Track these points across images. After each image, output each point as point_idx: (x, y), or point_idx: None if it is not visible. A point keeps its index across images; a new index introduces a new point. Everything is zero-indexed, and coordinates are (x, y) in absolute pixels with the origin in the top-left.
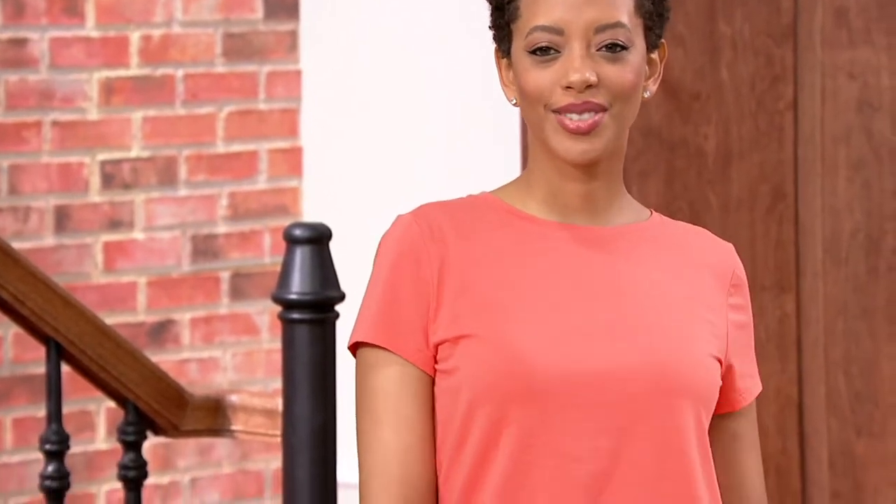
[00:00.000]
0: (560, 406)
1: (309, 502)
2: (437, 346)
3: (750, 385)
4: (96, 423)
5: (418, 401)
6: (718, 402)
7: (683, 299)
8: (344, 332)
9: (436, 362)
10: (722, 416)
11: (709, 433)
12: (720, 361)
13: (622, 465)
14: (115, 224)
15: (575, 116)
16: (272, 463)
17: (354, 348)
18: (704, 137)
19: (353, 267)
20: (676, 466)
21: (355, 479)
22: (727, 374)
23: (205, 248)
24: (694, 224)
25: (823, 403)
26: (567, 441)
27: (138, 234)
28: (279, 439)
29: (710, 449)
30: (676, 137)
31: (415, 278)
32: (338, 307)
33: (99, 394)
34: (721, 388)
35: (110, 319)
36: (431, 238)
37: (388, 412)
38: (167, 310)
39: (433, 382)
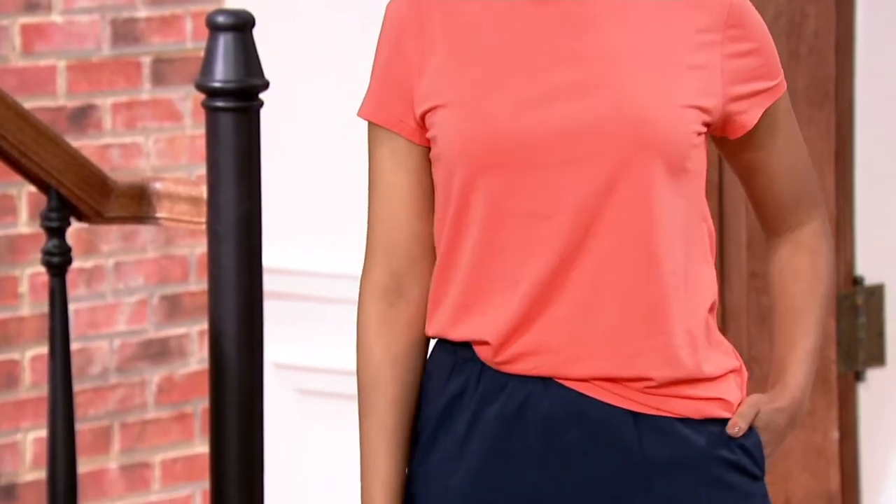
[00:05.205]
0: (524, 167)
1: (235, 287)
2: (422, 117)
3: (765, 96)
4: (18, 207)
5: (404, 170)
6: (734, 129)
7: (662, 49)
8: (268, 120)
9: (426, 132)
10: (742, 136)
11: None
12: (703, 109)
13: (588, 219)
14: (31, 6)
15: None
16: (197, 248)
17: None
18: None
19: (277, 55)
20: (640, 217)
21: (281, 264)
22: (733, 103)
23: (125, 32)
24: None
25: (742, 187)
26: (533, 199)
27: (56, 17)
28: (204, 226)
29: (682, 204)
30: None
31: (400, 53)
32: (262, 95)
33: (19, 178)
34: (732, 117)
35: (29, 104)
36: (418, 14)
37: (378, 182)
38: (88, 94)
39: (426, 152)
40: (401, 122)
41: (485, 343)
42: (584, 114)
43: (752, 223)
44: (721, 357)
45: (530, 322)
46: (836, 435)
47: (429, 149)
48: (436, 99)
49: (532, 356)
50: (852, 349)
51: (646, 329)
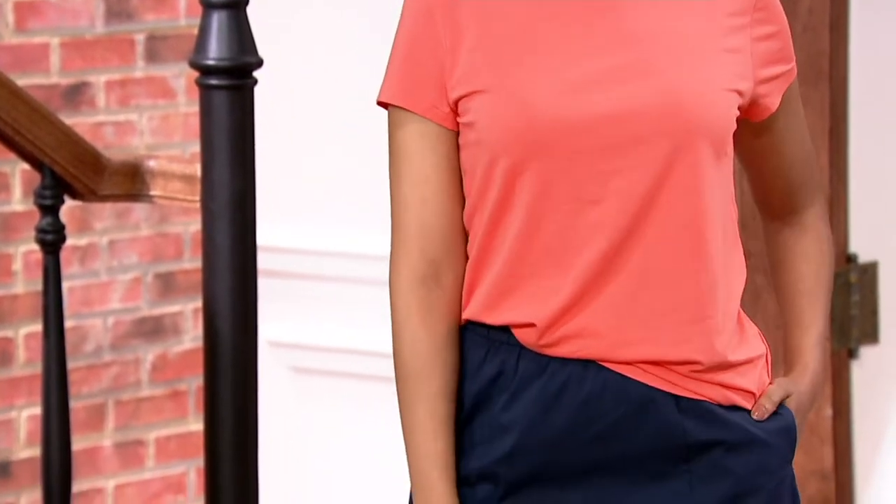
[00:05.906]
0: (571, 153)
1: (229, 265)
2: (456, 102)
3: (783, 79)
4: (11, 184)
5: (436, 155)
6: (759, 112)
7: (698, 33)
8: (262, 98)
9: (458, 116)
10: (764, 119)
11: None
12: (739, 93)
13: (638, 204)
14: None
15: None
16: (191, 226)
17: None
18: None
19: (271, 32)
20: (690, 202)
21: (275, 242)
22: (760, 86)
23: (118, 9)
24: None
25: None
26: (580, 185)
27: None
28: (198, 204)
29: (722, 187)
30: None
31: (430, 37)
32: (256, 73)
33: (13, 155)
34: (758, 101)
35: (23, 81)
36: None
37: (407, 167)
38: (81, 72)
39: (456, 137)
40: (434, 108)
41: (529, 325)
42: (630, 99)
43: (745, 203)
44: (751, 341)
45: (580, 306)
46: (829, 412)
47: (457, 133)
48: (472, 84)
49: (577, 339)
50: (846, 326)
51: (694, 313)
